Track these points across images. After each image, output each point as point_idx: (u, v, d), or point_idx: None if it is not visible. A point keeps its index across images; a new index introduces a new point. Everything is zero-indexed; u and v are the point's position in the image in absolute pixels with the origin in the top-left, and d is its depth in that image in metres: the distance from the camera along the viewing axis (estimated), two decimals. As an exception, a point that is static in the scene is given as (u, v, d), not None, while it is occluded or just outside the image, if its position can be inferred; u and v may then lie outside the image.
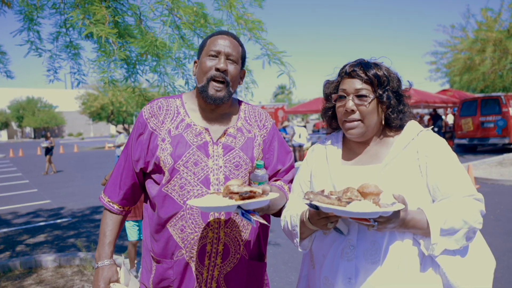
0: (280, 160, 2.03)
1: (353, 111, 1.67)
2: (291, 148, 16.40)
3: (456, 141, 17.82)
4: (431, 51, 21.85)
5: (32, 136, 69.53)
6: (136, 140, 1.91)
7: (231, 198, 1.53)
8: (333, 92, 1.78)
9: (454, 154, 1.69)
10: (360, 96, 1.66)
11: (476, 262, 1.63)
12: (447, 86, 26.32)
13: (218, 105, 1.88)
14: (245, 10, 3.88)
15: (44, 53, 4.17)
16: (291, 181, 2.04)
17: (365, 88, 1.66)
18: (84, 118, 45.74)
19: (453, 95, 23.07)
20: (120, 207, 1.99)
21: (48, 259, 5.43)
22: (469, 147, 17.82)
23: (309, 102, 27.44)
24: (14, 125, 67.86)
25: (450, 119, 24.82)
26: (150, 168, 1.87)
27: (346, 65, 1.75)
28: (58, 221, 8.39)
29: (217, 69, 1.82)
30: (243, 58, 1.95)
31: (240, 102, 2.07)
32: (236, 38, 1.93)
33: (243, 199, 1.51)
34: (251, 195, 1.53)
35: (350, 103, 1.67)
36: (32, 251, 6.33)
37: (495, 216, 7.27)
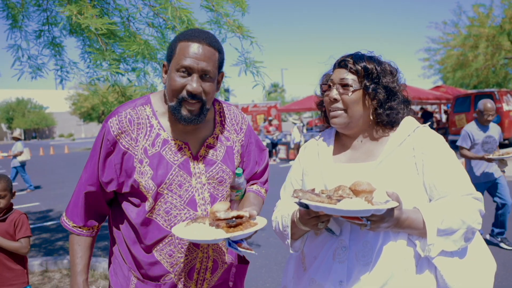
0: (256, 162, 1.96)
1: (335, 100, 1.62)
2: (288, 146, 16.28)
3: (450, 137, 17.83)
4: (424, 48, 21.97)
5: (22, 137, 68.95)
6: (105, 161, 1.66)
7: (217, 226, 1.45)
8: (323, 83, 1.75)
9: (452, 152, 1.61)
10: (344, 86, 1.62)
11: (476, 265, 1.55)
12: (440, 83, 26.41)
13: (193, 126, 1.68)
14: (228, 13, 3.82)
15: (27, 65, 4.06)
16: (266, 181, 2.00)
17: (350, 78, 1.61)
18: (75, 119, 45.47)
19: (446, 92, 23.16)
20: (88, 230, 1.78)
21: (34, 263, 5.27)
22: (463, 144, 17.80)
23: (302, 100, 27.39)
24: (3, 126, 67.31)
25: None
26: (125, 190, 1.67)
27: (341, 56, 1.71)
28: (47, 223, 8.22)
29: (190, 93, 1.57)
30: (220, 64, 1.68)
31: (214, 102, 1.85)
32: (211, 43, 1.62)
33: (230, 226, 1.44)
34: (238, 223, 1.45)
35: (333, 92, 1.63)
36: (19, 254, 6.16)
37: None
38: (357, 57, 1.65)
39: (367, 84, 1.61)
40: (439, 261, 1.47)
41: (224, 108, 1.87)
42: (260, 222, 1.52)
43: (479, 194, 1.54)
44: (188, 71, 1.57)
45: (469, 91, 20.75)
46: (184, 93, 1.58)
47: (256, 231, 1.48)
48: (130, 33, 3.99)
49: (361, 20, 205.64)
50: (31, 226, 7.79)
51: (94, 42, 3.77)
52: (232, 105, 1.95)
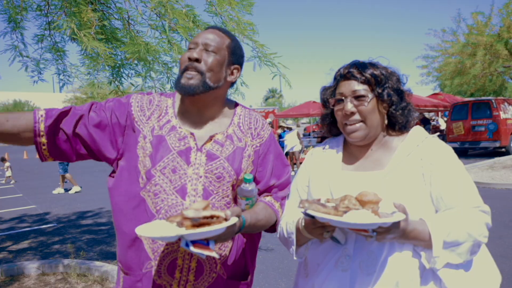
0: (274, 174, 1.85)
1: (352, 113, 1.60)
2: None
3: (448, 144, 17.89)
4: (422, 55, 22.03)
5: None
6: (119, 113, 1.72)
7: (181, 224, 1.35)
8: (330, 97, 1.72)
9: (460, 163, 1.61)
10: (358, 97, 1.60)
11: (481, 277, 1.54)
12: (438, 90, 26.53)
13: (192, 96, 1.69)
14: (235, 14, 3.80)
15: (29, 61, 4.05)
16: (284, 198, 1.87)
17: (362, 89, 1.60)
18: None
19: (443, 99, 23.26)
20: (42, 128, 1.67)
21: (31, 266, 5.24)
22: (460, 151, 17.92)
23: (300, 105, 27.41)
24: (0, 128, 67.05)
25: (442, 123, 24.91)
26: (124, 163, 1.71)
27: (341, 68, 1.69)
28: (43, 226, 8.18)
29: (189, 58, 1.68)
30: (233, 51, 1.77)
31: (236, 105, 1.89)
32: (223, 30, 1.78)
33: (194, 225, 1.34)
34: (203, 222, 1.34)
35: (349, 105, 1.60)
36: (15, 258, 6.12)
37: (498, 224, 7.23)
38: (361, 66, 1.64)
39: (379, 91, 1.61)
40: (444, 273, 1.46)
41: (246, 113, 1.88)
42: (229, 222, 1.39)
43: (486, 207, 1.54)
44: (194, 46, 1.71)
45: (467, 99, 20.88)
46: (186, 62, 1.69)
47: (223, 229, 1.37)
48: (131, 36, 3.99)
49: (359, 26, 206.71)
50: (27, 229, 7.87)
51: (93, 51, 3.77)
52: (257, 113, 1.94)
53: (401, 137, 1.69)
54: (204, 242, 1.40)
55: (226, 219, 1.40)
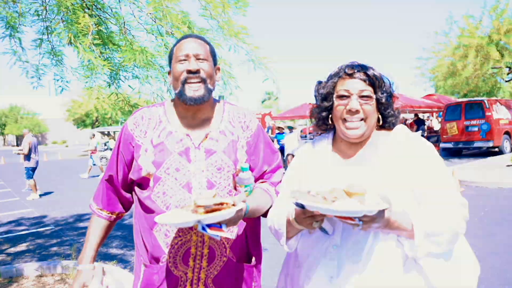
0: (266, 161, 2.03)
1: (357, 111, 1.69)
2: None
3: (442, 145, 18.11)
4: (416, 57, 22.22)
5: (15, 143, 68.44)
6: (124, 152, 1.94)
7: (195, 211, 1.52)
8: (330, 92, 1.78)
9: (441, 159, 1.71)
10: (363, 97, 1.69)
11: (460, 267, 1.65)
12: (432, 91, 26.73)
13: (199, 105, 1.87)
14: (229, 18, 3.87)
15: (29, 66, 4.11)
16: (278, 183, 2.03)
17: (368, 89, 1.70)
18: (69, 125, 45.21)
19: (437, 100, 23.45)
20: (108, 213, 2.04)
21: (29, 268, 5.29)
22: (454, 151, 18.13)
23: (296, 108, 27.52)
24: (-5, 132, 66.75)
25: (436, 123, 25.10)
26: (135, 177, 1.90)
27: (343, 66, 1.77)
28: (41, 229, 8.20)
29: (189, 71, 1.83)
30: (213, 54, 1.96)
31: (224, 103, 2.06)
32: (201, 37, 1.96)
33: (207, 212, 1.51)
34: (215, 208, 1.51)
35: (355, 103, 1.69)
36: (13, 260, 6.16)
37: (479, 218, 7.34)
38: (366, 68, 1.73)
39: (380, 94, 1.72)
40: (425, 262, 1.57)
41: (233, 108, 2.05)
42: (237, 207, 1.56)
43: (464, 201, 1.64)
44: (186, 58, 1.85)
45: (460, 100, 21.07)
46: (184, 74, 1.84)
47: (233, 213, 1.53)
48: (127, 40, 4.05)
49: (353, 29, 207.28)
50: (25, 232, 7.89)
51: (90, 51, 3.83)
52: (243, 107, 2.11)
53: (386, 134, 1.79)
54: (218, 226, 1.55)
55: (234, 205, 1.57)
